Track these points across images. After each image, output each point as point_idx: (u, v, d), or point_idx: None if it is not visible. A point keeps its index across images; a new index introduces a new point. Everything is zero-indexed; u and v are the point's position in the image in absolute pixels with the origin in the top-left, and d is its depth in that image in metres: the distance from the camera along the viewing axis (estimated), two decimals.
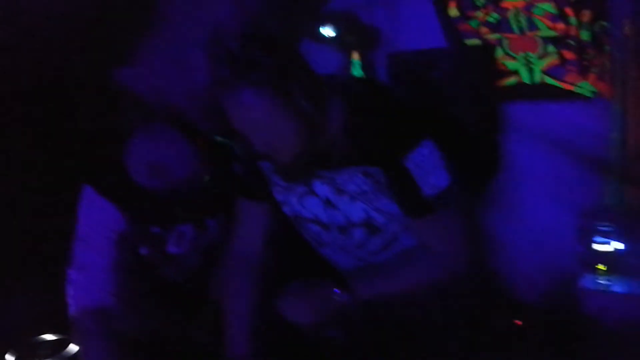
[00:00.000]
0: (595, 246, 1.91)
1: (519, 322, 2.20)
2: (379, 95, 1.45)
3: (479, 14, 2.43)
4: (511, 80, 2.41)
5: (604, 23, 2.19)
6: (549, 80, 2.34)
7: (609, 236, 1.91)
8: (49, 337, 1.81)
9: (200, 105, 1.57)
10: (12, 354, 1.75)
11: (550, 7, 2.30)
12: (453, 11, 2.47)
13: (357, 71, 2.52)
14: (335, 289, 1.43)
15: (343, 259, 1.61)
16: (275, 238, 1.64)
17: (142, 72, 2.01)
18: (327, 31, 2.46)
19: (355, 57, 2.51)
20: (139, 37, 1.62)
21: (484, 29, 2.43)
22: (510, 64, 2.41)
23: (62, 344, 1.77)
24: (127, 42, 1.70)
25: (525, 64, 2.39)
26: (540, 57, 2.35)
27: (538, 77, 2.37)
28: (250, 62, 1.23)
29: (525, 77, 2.40)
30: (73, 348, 1.71)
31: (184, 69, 1.82)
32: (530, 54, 2.36)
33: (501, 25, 2.38)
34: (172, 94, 1.89)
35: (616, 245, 1.90)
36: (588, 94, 2.25)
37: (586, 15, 2.24)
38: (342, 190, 1.46)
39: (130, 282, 1.65)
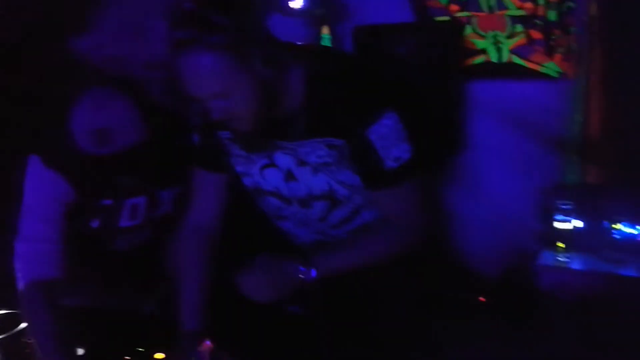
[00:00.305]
0: (556, 224, 1.93)
1: (482, 299, 2.22)
2: (343, 65, 1.44)
3: None
4: (479, 58, 2.41)
5: (571, 4, 2.19)
6: (516, 59, 2.34)
7: (569, 214, 1.93)
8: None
9: (159, 77, 1.53)
10: None
11: None
12: None
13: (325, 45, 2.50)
14: (299, 266, 1.41)
15: (303, 233, 1.60)
16: (231, 210, 1.62)
17: (101, 41, 1.97)
18: (296, 3, 2.43)
19: (325, 31, 2.48)
20: (98, 5, 1.57)
21: (453, 7, 2.42)
22: (479, 42, 2.40)
23: (13, 319, 1.73)
24: (85, 10, 1.65)
25: (493, 43, 2.39)
26: (509, 37, 2.35)
27: (506, 56, 2.37)
28: (207, 23, 1.20)
29: (493, 56, 2.40)
30: (24, 324, 1.67)
31: (144, 38, 1.77)
32: (499, 32, 2.36)
33: (470, 3, 2.37)
34: (130, 65, 1.84)
35: (576, 223, 1.92)
36: (553, 74, 2.26)
37: None
38: (304, 162, 1.44)
39: (79, 255, 1.61)
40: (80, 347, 1.60)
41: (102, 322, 1.73)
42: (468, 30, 2.40)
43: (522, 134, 2.30)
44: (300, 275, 1.42)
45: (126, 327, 1.71)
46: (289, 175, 1.48)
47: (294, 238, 1.64)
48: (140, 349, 1.62)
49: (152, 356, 1.59)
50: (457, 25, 2.37)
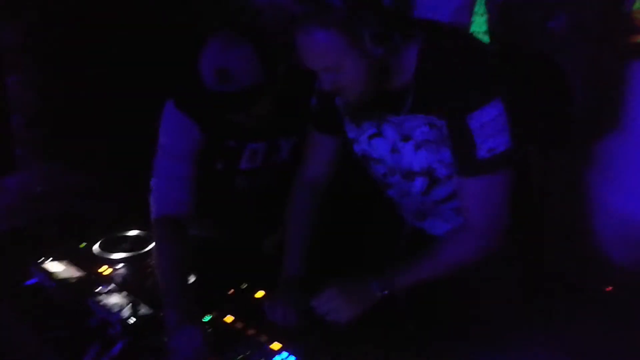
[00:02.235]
0: None
1: (609, 288, 2.09)
2: (457, 45, 1.37)
3: None
4: None
5: None
6: None
7: None
8: (132, 232, 1.95)
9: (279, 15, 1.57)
10: (100, 245, 1.90)
11: None
12: None
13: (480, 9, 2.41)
14: (374, 285, 1.43)
15: (407, 203, 1.60)
16: (344, 173, 1.65)
17: None
18: None
19: None
20: None
21: None
22: None
23: (143, 241, 1.90)
24: None
25: None
26: None
27: None
28: (322, 2, 1.22)
29: None
30: (152, 245, 1.83)
31: None
32: None
33: None
34: None
35: None
36: None
37: None
38: (409, 137, 1.44)
39: (204, 193, 1.72)
40: (194, 274, 1.71)
41: (217, 254, 1.85)
42: (637, 4, 2.18)
43: None
44: (377, 294, 1.43)
45: (239, 262, 1.80)
46: (394, 148, 1.48)
47: (399, 207, 1.64)
48: (244, 285, 1.70)
49: (254, 294, 1.67)
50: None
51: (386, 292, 1.43)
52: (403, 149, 1.46)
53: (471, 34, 1.49)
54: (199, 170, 1.70)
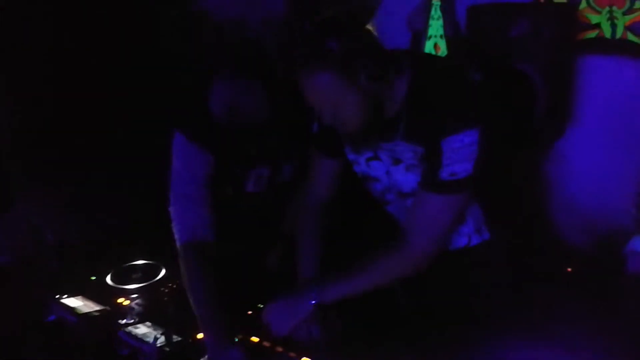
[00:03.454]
0: None
1: (569, 269, 2.27)
2: (443, 75, 1.50)
3: None
4: (591, 34, 2.38)
5: None
6: (631, 36, 2.30)
7: None
8: (141, 262, 2.02)
9: (275, 34, 1.67)
10: (112, 276, 1.97)
11: None
12: None
13: (436, 14, 2.55)
14: (310, 297, 1.56)
15: (405, 218, 1.73)
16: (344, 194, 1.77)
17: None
18: None
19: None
20: None
21: None
22: (593, 17, 2.37)
23: (153, 269, 1.98)
24: None
25: (608, 19, 2.35)
26: (625, 13, 2.31)
27: (620, 32, 2.33)
28: (320, 47, 1.35)
29: (607, 32, 2.36)
30: (163, 273, 1.90)
31: None
32: (616, 8, 2.32)
33: None
34: (249, 24, 1.99)
35: None
36: None
37: None
38: (399, 160, 1.58)
39: (215, 217, 1.81)
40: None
41: (226, 275, 1.93)
42: (583, 4, 2.37)
43: (631, 114, 2.28)
44: (310, 304, 1.56)
45: (248, 282, 1.90)
46: (388, 171, 1.62)
47: (399, 222, 1.77)
48: (261, 305, 1.75)
49: None
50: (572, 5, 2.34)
51: (314, 302, 1.56)
52: (395, 172, 1.60)
53: (461, 66, 1.63)
54: (210, 194, 1.78)
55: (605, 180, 2.37)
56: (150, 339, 1.61)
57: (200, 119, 1.67)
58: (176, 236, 1.74)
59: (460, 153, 1.42)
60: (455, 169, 1.44)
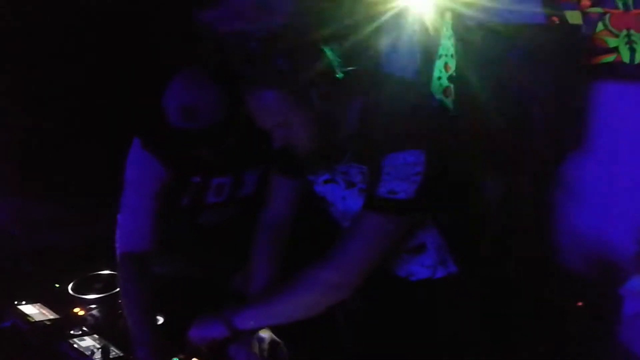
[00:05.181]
0: None
1: (580, 304, 2.12)
2: (395, 96, 1.41)
3: None
4: (609, 57, 2.24)
5: None
6: None
7: None
8: (107, 272, 1.98)
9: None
10: (73, 285, 1.92)
11: None
12: None
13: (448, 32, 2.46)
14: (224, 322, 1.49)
15: None
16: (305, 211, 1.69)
17: (225, 14, 2.09)
18: None
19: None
20: None
21: (585, 2, 2.26)
22: (611, 40, 2.23)
23: (116, 280, 1.92)
24: None
25: (626, 43, 2.21)
26: None
27: (639, 57, 2.19)
28: (271, 66, 1.28)
29: (625, 56, 2.22)
30: None
31: (265, 11, 1.87)
32: (634, 32, 2.18)
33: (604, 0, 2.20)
34: (248, 39, 1.94)
35: None
36: None
37: None
38: (353, 183, 1.50)
39: (170, 229, 1.75)
40: (161, 315, 1.74)
41: (185, 292, 1.87)
42: (599, 27, 2.24)
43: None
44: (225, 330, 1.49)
45: (207, 301, 1.80)
46: (344, 196, 1.54)
47: None
48: None
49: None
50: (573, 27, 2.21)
51: (229, 330, 1.48)
52: (350, 196, 1.52)
53: (420, 88, 1.54)
54: (164, 206, 1.73)
55: (610, 212, 2.20)
56: (90, 354, 1.55)
57: (155, 123, 1.62)
58: (117, 245, 1.70)
59: (401, 171, 1.32)
60: (395, 186, 1.33)
